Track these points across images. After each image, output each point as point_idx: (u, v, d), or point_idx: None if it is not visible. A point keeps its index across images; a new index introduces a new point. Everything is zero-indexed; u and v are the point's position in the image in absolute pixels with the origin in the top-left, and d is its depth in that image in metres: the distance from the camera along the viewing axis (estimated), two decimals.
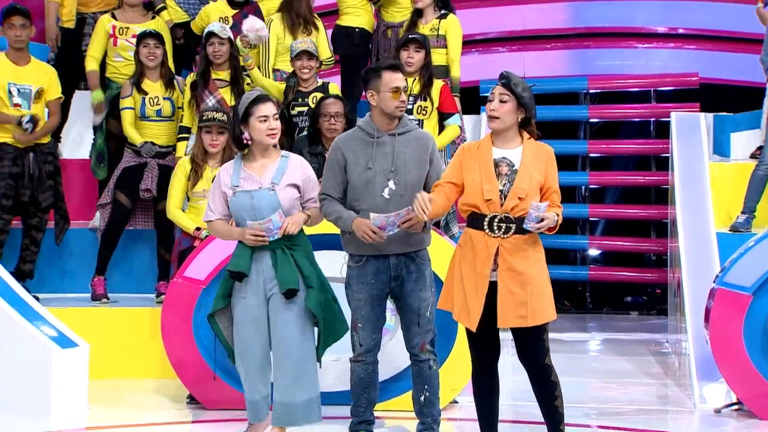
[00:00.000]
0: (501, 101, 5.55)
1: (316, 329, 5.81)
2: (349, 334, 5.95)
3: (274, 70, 8.80)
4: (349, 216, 5.82)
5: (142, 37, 8.58)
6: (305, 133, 7.88)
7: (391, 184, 5.85)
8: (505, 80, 5.56)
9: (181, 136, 8.54)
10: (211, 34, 8.37)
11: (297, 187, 5.76)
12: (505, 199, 5.47)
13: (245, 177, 5.71)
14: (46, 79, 8.53)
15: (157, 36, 8.59)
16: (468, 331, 5.60)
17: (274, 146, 5.82)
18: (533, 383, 5.61)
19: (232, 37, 8.47)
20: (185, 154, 8.38)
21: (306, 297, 5.64)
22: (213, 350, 6.32)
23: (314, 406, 5.75)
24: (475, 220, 5.52)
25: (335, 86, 8.48)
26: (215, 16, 9.00)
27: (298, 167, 5.75)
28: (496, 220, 5.49)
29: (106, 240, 8.54)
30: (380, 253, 5.87)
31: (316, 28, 8.91)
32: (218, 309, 5.78)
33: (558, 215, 5.49)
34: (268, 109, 5.71)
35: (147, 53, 8.54)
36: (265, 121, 5.69)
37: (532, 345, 5.54)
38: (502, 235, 5.49)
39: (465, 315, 5.54)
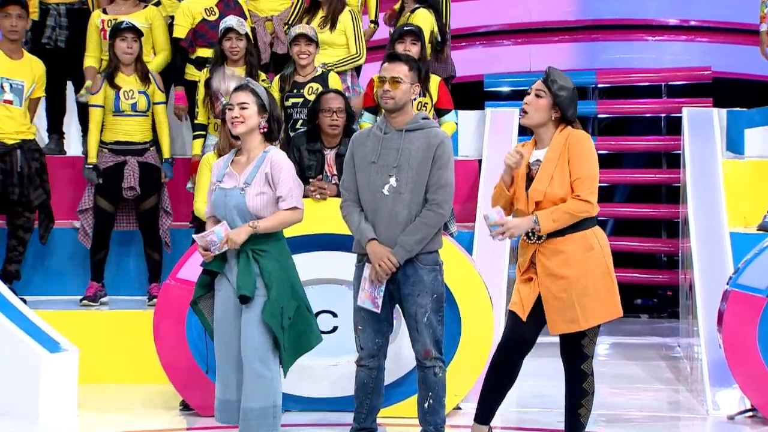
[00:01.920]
0: (536, 96, 5.61)
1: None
2: (329, 337, 5.97)
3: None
4: (364, 234, 5.87)
5: (118, 30, 8.49)
6: (303, 129, 7.85)
7: (392, 180, 5.87)
8: (546, 75, 5.61)
9: (196, 133, 8.53)
10: (229, 29, 8.34)
11: (270, 184, 5.74)
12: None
13: (228, 173, 5.75)
14: (37, 75, 8.53)
15: (134, 30, 8.55)
16: (508, 321, 5.70)
17: (268, 140, 5.80)
18: (566, 384, 5.67)
19: (249, 33, 8.45)
20: (201, 153, 8.40)
21: (263, 307, 5.66)
22: (204, 344, 6.32)
23: (269, 415, 5.71)
24: None
25: (335, 77, 8.39)
26: (198, 9, 8.95)
27: (269, 163, 5.72)
28: None
29: (96, 247, 8.56)
30: None
31: (333, 28, 8.82)
32: (198, 297, 5.83)
33: (551, 213, 5.47)
34: (235, 97, 5.74)
35: (125, 47, 8.47)
36: (230, 109, 5.73)
37: (571, 348, 5.62)
38: (537, 241, 5.57)
39: (518, 305, 5.67)
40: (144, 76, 8.55)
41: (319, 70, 8.34)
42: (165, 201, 8.68)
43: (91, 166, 8.51)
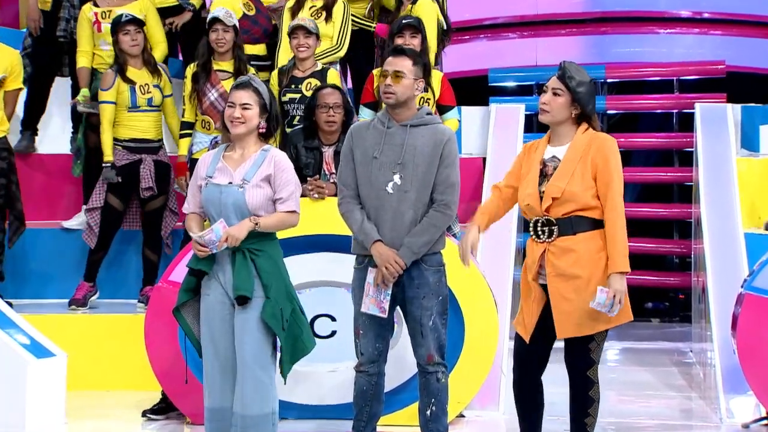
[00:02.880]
0: (554, 94, 5.61)
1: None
2: (327, 342, 5.93)
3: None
4: (369, 235, 5.84)
5: (120, 25, 8.47)
6: (299, 126, 7.85)
7: (396, 178, 5.84)
8: (561, 72, 5.60)
9: (183, 132, 8.49)
10: (215, 20, 8.32)
11: (270, 183, 5.74)
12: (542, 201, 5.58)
13: (221, 168, 5.74)
14: (10, 65, 8.45)
15: (135, 21, 8.54)
16: (516, 339, 5.72)
17: (262, 139, 5.80)
18: (570, 392, 5.66)
19: (237, 25, 8.42)
20: (189, 152, 8.39)
21: (263, 307, 5.65)
22: (184, 349, 6.31)
23: (268, 422, 5.70)
24: (527, 225, 5.68)
25: (335, 72, 8.36)
26: (237, 4, 8.84)
27: (271, 162, 5.74)
28: (539, 224, 5.61)
29: (98, 245, 8.51)
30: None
31: (329, 18, 8.80)
32: (182, 303, 5.82)
33: (616, 235, 5.49)
34: (238, 96, 5.72)
35: (129, 41, 8.46)
36: (231, 107, 5.72)
37: (577, 353, 5.60)
38: (547, 240, 5.57)
39: (521, 325, 5.67)
40: (154, 69, 8.55)
41: (319, 65, 8.32)
42: (172, 201, 8.66)
43: (108, 165, 8.46)
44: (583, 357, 5.59)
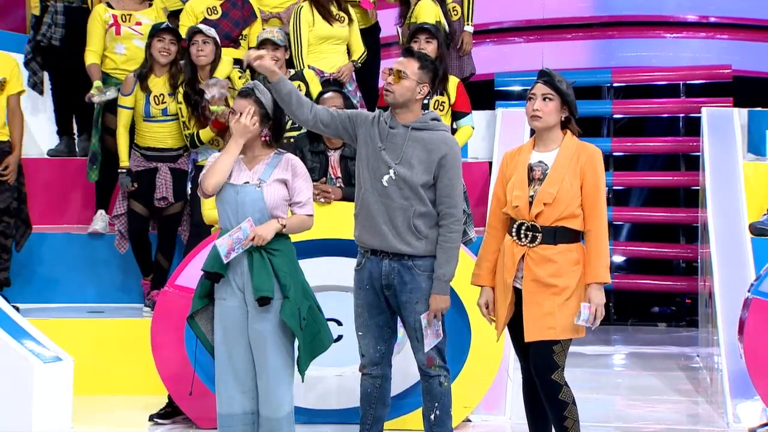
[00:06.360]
0: (545, 99, 5.61)
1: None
2: (334, 346, 5.96)
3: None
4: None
5: (157, 31, 8.49)
6: (304, 130, 7.85)
7: (391, 172, 5.85)
8: (548, 77, 5.66)
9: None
10: (196, 32, 8.32)
11: (287, 185, 5.76)
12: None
13: (237, 169, 5.77)
14: (8, 70, 8.41)
15: (173, 31, 8.52)
16: (512, 338, 5.78)
17: (267, 144, 5.82)
18: (543, 398, 5.65)
19: (217, 39, 8.40)
20: (193, 161, 8.42)
21: (281, 307, 5.65)
22: (194, 356, 6.32)
23: (292, 422, 5.78)
24: (509, 225, 5.68)
25: (311, 73, 8.39)
26: (201, 8, 8.94)
27: (288, 165, 5.77)
28: (523, 228, 5.61)
29: (137, 251, 8.62)
30: (375, 252, 5.86)
31: (351, 20, 8.88)
32: (197, 310, 5.82)
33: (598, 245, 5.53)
34: (238, 105, 5.76)
35: (161, 48, 8.42)
36: (234, 115, 5.76)
37: (540, 357, 5.60)
38: (528, 244, 5.58)
39: (496, 322, 5.75)
40: (176, 83, 8.47)
41: (292, 71, 8.34)
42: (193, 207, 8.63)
43: (124, 171, 8.52)
44: (547, 360, 5.58)
